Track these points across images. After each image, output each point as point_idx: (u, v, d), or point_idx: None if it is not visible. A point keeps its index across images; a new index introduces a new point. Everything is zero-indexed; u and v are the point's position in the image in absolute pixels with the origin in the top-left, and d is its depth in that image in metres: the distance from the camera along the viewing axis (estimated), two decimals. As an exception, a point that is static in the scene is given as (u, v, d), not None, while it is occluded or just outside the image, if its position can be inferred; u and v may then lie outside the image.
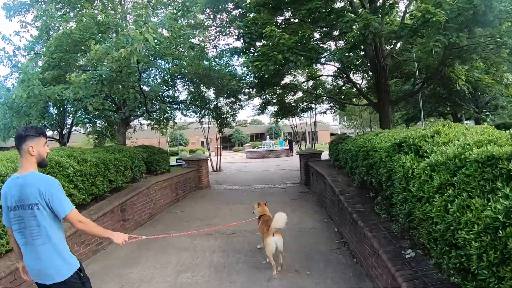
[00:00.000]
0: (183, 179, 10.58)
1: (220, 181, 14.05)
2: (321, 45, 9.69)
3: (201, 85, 11.89)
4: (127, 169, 7.75)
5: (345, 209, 5.14)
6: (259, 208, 5.02)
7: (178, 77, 11.50)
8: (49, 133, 12.18)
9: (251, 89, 11.78)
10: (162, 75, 11.72)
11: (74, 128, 14.16)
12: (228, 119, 15.33)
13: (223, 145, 58.32)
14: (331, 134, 64.54)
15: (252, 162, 24.72)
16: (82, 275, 2.30)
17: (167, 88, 11.94)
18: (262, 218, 4.78)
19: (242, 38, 8.84)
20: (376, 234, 3.77)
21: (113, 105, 10.60)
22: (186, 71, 10.91)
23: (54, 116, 11.19)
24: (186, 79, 11.86)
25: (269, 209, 5.06)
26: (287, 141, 32.80)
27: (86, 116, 12.90)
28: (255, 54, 8.63)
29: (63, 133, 12.70)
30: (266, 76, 9.66)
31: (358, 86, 11.77)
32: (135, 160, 8.45)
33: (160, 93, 11.87)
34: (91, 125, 15.84)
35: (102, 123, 14.83)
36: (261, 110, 14.13)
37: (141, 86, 9.80)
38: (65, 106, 10.39)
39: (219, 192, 11.26)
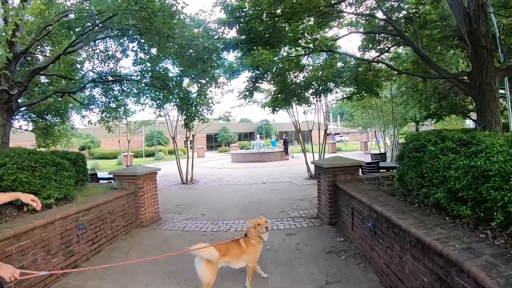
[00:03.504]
0: (94, 217, 5.40)
1: (182, 206, 8.76)
2: None
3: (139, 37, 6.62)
4: None
5: None
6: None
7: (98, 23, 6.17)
8: None
9: (232, 50, 6.51)
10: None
11: None
12: (198, 109, 10.05)
13: (208, 145, 53.34)
14: (327, 134, 59.41)
15: (238, 168, 19.41)
16: None
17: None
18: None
19: None
20: None
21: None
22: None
23: None
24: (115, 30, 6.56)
25: None
26: (282, 141, 27.65)
27: None
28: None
29: None
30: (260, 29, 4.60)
31: (420, 50, 6.59)
32: None
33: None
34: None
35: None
36: (249, 91, 8.84)
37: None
38: None
39: (170, 239, 6.00)
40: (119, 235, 6.16)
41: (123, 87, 9.84)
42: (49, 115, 12.12)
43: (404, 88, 15.16)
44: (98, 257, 5.25)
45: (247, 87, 8.34)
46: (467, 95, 7.75)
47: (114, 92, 10.36)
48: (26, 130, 13.77)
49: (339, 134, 53.87)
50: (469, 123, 29.10)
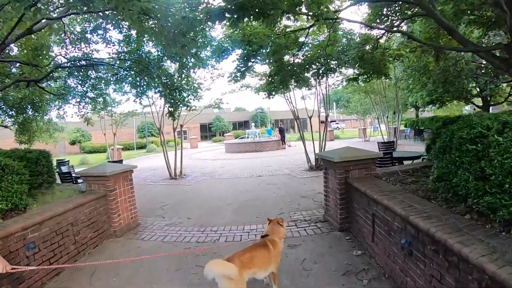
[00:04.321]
0: (49, 231, 4.32)
1: (167, 206, 7.64)
2: None
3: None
4: None
5: None
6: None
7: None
8: None
9: (217, 21, 5.26)
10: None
11: None
12: (183, 95, 8.84)
13: (202, 135, 52.02)
14: (321, 122, 58.18)
15: (232, 159, 18.27)
16: None
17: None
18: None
19: None
20: None
21: None
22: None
23: None
24: None
25: None
26: (278, 129, 26.44)
27: None
28: None
29: None
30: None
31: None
32: None
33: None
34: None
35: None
36: (240, 71, 7.57)
37: None
38: None
39: (147, 253, 4.87)
40: (86, 250, 5.06)
41: (99, 73, 8.62)
42: (26, 109, 10.95)
43: (410, 71, 14.04)
44: (57, 280, 4.16)
45: (238, 67, 7.10)
46: (503, 71, 6.62)
47: (92, 81, 9.15)
48: (1, 125, 12.56)
49: (335, 121, 52.73)
50: (469, 109, 28.21)
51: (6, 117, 11.34)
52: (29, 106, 10.40)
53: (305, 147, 11.97)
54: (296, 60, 8.13)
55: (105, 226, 5.62)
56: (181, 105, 8.88)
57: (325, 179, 5.71)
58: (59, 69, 8.05)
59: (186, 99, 8.92)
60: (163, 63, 8.23)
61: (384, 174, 5.32)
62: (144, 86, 8.63)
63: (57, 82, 9.72)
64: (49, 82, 9.71)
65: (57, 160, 15.11)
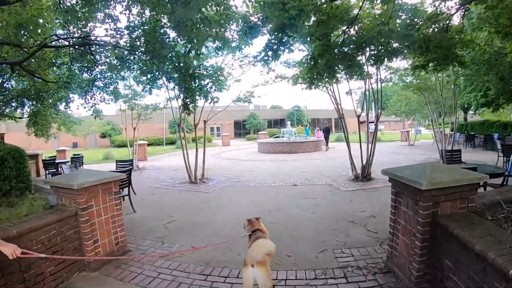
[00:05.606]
0: None
1: (172, 224, 5.95)
2: None
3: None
4: None
5: None
6: (250, 225, 3.71)
7: None
8: None
9: None
10: None
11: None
12: (202, 84, 7.17)
13: (235, 132, 50.64)
14: (361, 122, 54.19)
15: (263, 160, 16.45)
16: None
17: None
18: (254, 235, 3.43)
19: None
20: None
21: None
22: None
23: None
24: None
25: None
26: (322, 129, 24.23)
27: None
28: None
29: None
30: None
31: None
32: None
33: None
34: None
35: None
36: (272, 50, 5.60)
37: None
38: None
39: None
40: (41, 290, 3.50)
41: (100, 56, 7.15)
42: (27, 100, 9.92)
43: (474, 65, 11.48)
44: None
45: (270, 43, 5.17)
46: None
47: (100, 67, 7.75)
48: (11, 117, 11.70)
49: (373, 122, 49.22)
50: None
51: (11, 109, 10.40)
52: (32, 97, 9.26)
53: (349, 152, 9.93)
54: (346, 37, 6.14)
55: (76, 254, 4.04)
56: (199, 96, 7.19)
57: (394, 209, 3.74)
58: (54, 51, 6.67)
59: (205, 88, 7.22)
60: (176, 43, 6.57)
61: (482, 206, 3.31)
62: (156, 73, 7.03)
63: (60, 70, 8.46)
64: (55, 69, 8.49)
65: (73, 154, 14.21)
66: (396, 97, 24.11)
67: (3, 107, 10.07)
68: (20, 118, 11.67)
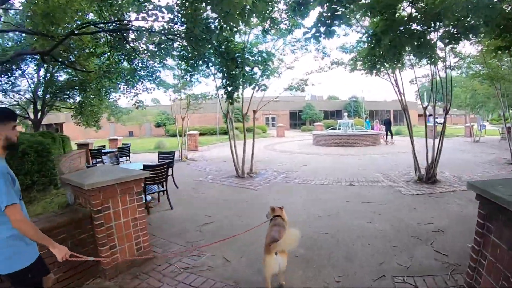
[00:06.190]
0: None
1: (208, 227, 5.33)
2: None
3: None
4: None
5: None
6: (272, 211, 3.78)
7: None
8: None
9: None
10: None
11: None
12: (246, 70, 6.41)
13: (291, 123, 49.53)
14: (419, 115, 49.90)
15: (318, 154, 15.39)
16: (30, 275, 2.10)
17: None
18: (274, 220, 3.57)
19: None
20: None
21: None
22: None
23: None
24: None
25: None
26: (383, 121, 22.73)
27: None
28: None
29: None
30: None
31: None
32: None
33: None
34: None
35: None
36: (325, 24, 4.52)
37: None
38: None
39: None
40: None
41: (142, 44, 6.73)
42: (70, 91, 10.06)
43: None
44: None
45: (322, 15, 4.14)
46: None
47: (141, 55, 7.39)
48: (57, 109, 12.08)
49: (431, 115, 44.91)
50: None
51: (61, 100, 10.64)
52: (76, 88, 9.28)
53: (413, 149, 8.57)
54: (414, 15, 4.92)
55: (90, 261, 3.55)
56: (243, 83, 6.44)
57: (479, 237, 2.66)
58: (92, 40, 6.34)
59: (250, 74, 6.44)
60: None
61: None
62: (196, 59, 6.41)
63: (100, 60, 8.27)
64: (96, 60, 8.34)
65: (122, 144, 14.39)
66: (459, 88, 21.30)
67: (54, 98, 10.31)
68: (69, 108, 11.95)
